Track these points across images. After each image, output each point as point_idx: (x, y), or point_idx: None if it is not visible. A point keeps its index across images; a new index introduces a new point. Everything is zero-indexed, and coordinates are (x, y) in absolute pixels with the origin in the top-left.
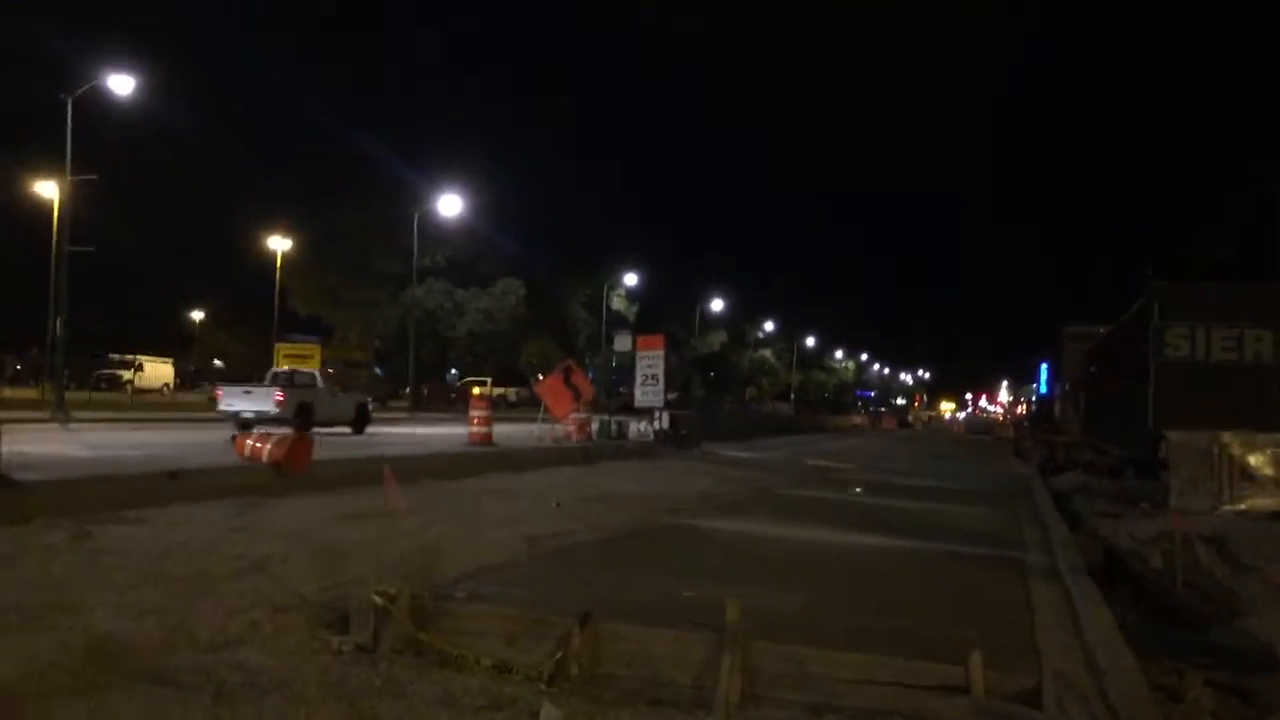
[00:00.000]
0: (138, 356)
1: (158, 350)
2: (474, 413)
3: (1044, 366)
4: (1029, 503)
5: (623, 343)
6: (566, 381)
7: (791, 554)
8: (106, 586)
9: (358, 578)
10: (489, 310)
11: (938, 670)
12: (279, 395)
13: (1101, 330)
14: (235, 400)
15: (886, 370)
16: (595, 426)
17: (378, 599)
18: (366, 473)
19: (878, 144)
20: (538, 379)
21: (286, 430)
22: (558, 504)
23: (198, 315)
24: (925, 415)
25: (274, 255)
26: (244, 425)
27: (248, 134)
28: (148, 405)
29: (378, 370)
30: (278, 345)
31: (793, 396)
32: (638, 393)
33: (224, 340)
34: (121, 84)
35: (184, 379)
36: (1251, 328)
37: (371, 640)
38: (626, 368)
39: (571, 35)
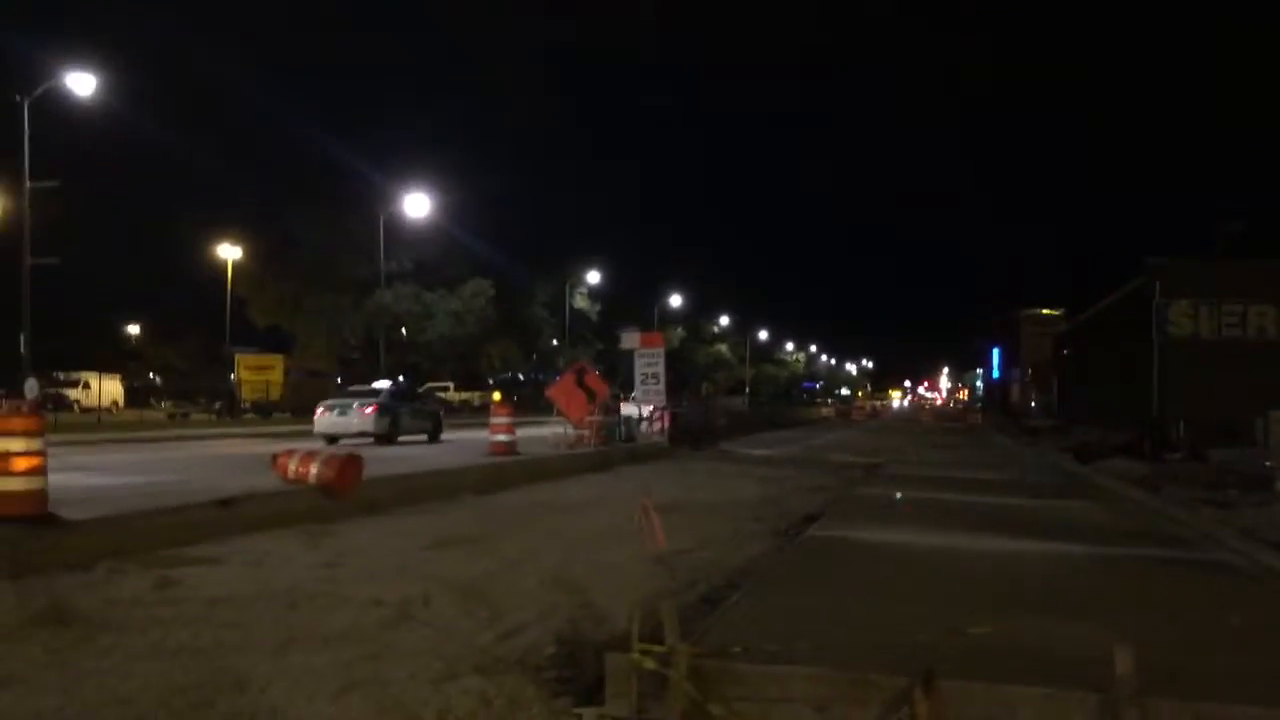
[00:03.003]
0: (83, 374)
1: (97, 366)
2: (496, 421)
3: (995, 351)
4: (1107, 491)
5: (629, 340)
6: (579, 382)
7: (985, 569)
8: (252, 651)
9: (521, 623)
10: (459, 313)
11: None
12: (371, 409)
13: (1059, 314)
14: (329, 416)
15: (833, 361)
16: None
17: (645, 660)
18: (414, 491)
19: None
20: (554, 380)
21: (326, 448)
22: (636, 517)
23: (133, 329)
24: (876, 404)
25: (224, 264)
26: (331, 440)
27: (203, 139)
28: (114, 426)
29: (339, 380)
30: (238, 357)
31: (747, 391)
32: (638, 391)
33: (168, 355)
34: (82, 83)
35: (132, 396)
36: (1255, 303)
37: (635, 713)
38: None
39: (535, 34)
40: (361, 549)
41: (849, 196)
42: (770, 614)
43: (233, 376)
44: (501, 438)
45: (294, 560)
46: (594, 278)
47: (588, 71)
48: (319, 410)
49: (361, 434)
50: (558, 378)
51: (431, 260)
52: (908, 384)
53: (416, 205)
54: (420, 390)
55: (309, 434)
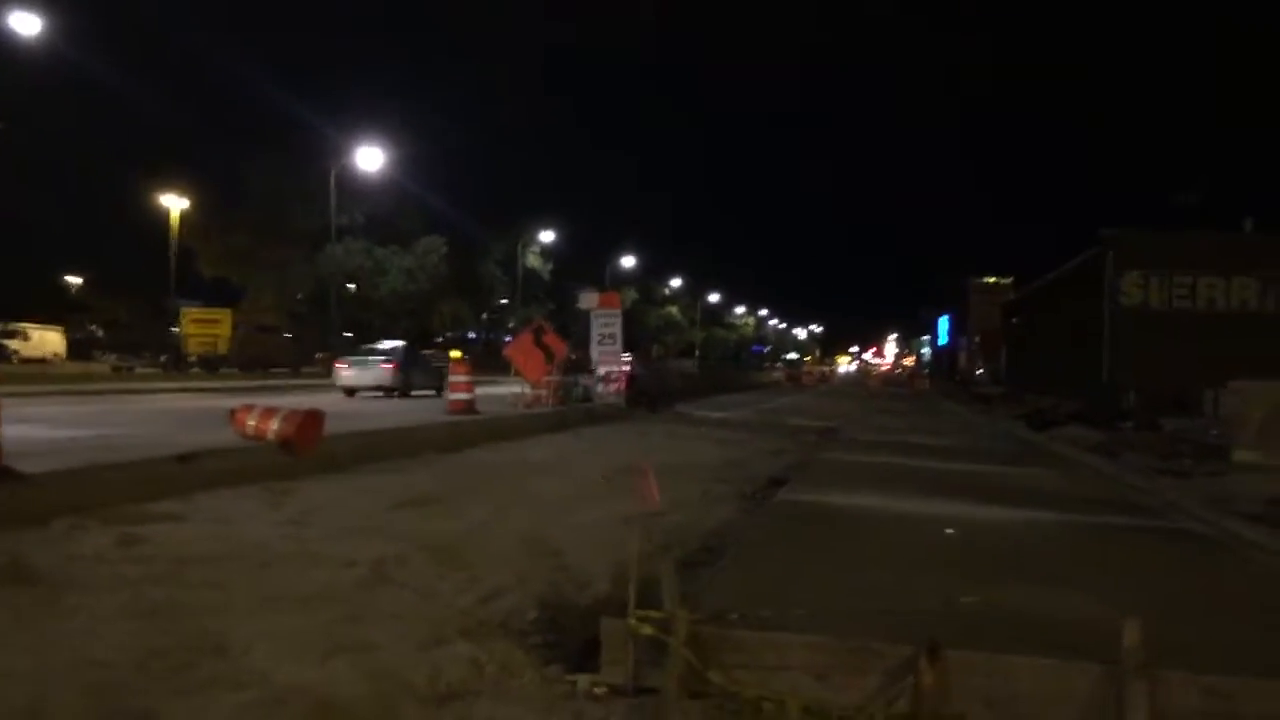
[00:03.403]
0: (21, 324)
1: (35, 317)
2: (455, 379)
3: (944, 319)
4: (1065, 459)
5: (588, 300)
6: (537, 342)
7: (967, 536)
8: (227, 613)
9: (500, 586)
10: (411, 269)
11: None
12: (391, 365)
13: (1008, 282)
14: (352, 371)
15: (782, 325)
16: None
17: (642, 626)
18: (375, 448)
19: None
20: (511, 339)
21: (280, 405)
22: (605, 478)
23: (75, 280)
24: (825, 370)
25: (169, 215)
26: (350, 393)
27: (151, 85)
28: (56, 378)
29: (287, 335)
30: (183, 310)
31: (697, 354)
32: (594, 352)
33: (111, 307)
34: (27, 23)
35: (73, 348)
36: (1204, 275)
37: (631, 680)
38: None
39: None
40: (326, 507)
41: (826, 181)
42: (755, 580)
43: (177, 330)
44: (461, 396)
45: (259, 518)
46: (547, 236)
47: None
48: (339, 365)
49: (379, 387)
50: (512, 338)
51: (384, 215)
52: (855, 350)
53: (370, 159)
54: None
55: (259, 390)
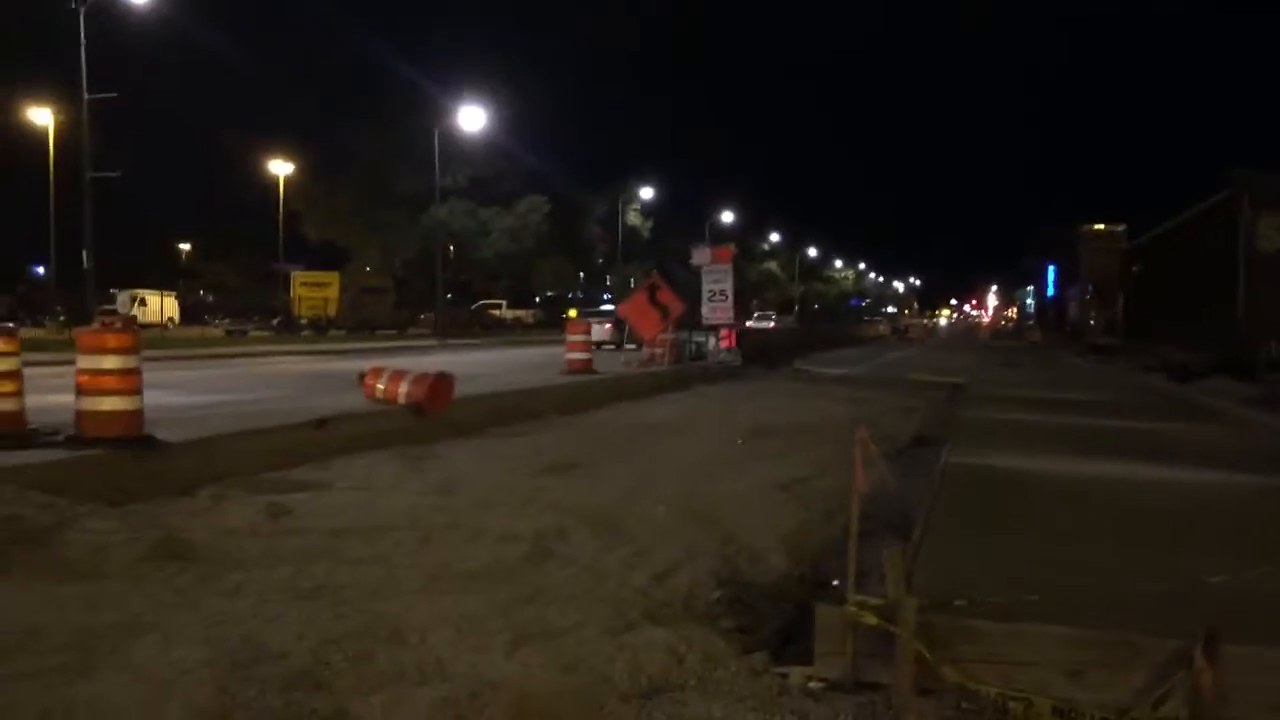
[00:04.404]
0: (139, 291)
1: (145, 283)
2: (573, 338)
3: (1050, 269)
4: (1224, 413)
5: (700, 255)
6: (652, 299)
7: (1160, 503)
8: (394, 592)
9: (670, 561)
10: (514, 230)
11: None
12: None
13: (1121, 229)
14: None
15: (880, 279)
16: None
17: (864, 614)
18: (502, 411)
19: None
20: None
21: (413, 369)
22: (741, 440)
23: (184, 246)
24: (929, 323)
25: (276, 180)
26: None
27: (257, 51)
28: (175, 343)
29: (394, 298)
30: (294, 274)
31: (796, 309)
32: (705, 308)
33: (221, 271)
34: None
35: (185, 313)
36: None
37: (851, 674)
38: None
39: None
40: (468, 474)
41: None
42: (951, 557)
43: (287, 294)
44: (579, 355)
45: (403, 486)
46: (647, 194)
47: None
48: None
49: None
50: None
51: (487, 175)
52: (954, 303)
53: (472, 119)
54: (473, 308)
55: (374, 351)
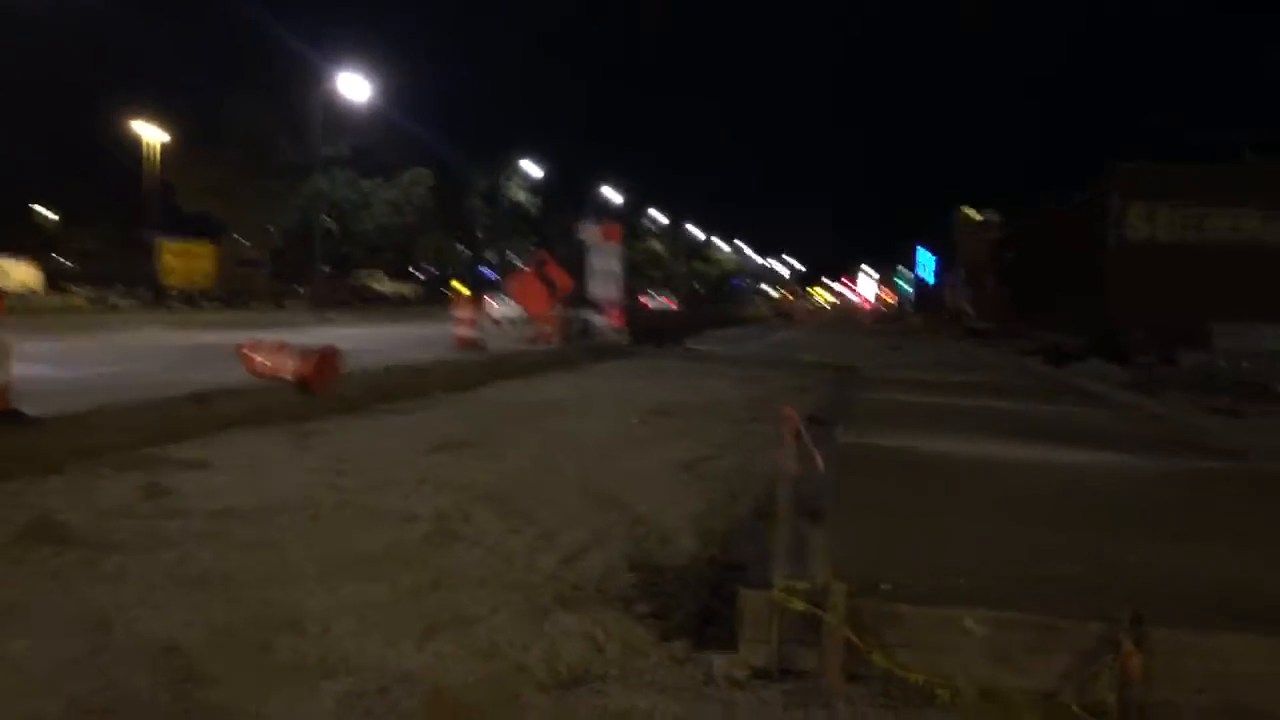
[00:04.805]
0: None
1: (3, 250)
2: (461, 314)
3: (925, 253)
4: (1103, 397)
5: (589, 233)
6: (540, 275)
7: (1059, 484)
8: (290, 579)
9: (578, 544)
10: (396, 202)
11: None
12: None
13: (996, 218)
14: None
15: (761, 259)
16: None
17: (792, 599)
18: (389, 387)
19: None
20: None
21: (296, 344)
22: (638, 420)
23: (48, 213)
24: (811, 305)
25: (148, 148)
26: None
27: (126, 11)
28: (36, 311)
29: (269, 271)
30: (163, 244)
31: (662, 288)
32: (593, 286)
33: (84, 239)
34: None
35: (49, 282)
36: (1210, 208)
37: (776, 660)
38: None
39: None
40: (359, 452)
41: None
42: (862, 538)
43: (156, 264)
44: (467, 332)
45: (291, 464)
46: (531, 170)
47: None
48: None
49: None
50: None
51: (370, 147)
52: (833, 285)
53: (355, 88)
54: (353, 281)
55: (250, 324)
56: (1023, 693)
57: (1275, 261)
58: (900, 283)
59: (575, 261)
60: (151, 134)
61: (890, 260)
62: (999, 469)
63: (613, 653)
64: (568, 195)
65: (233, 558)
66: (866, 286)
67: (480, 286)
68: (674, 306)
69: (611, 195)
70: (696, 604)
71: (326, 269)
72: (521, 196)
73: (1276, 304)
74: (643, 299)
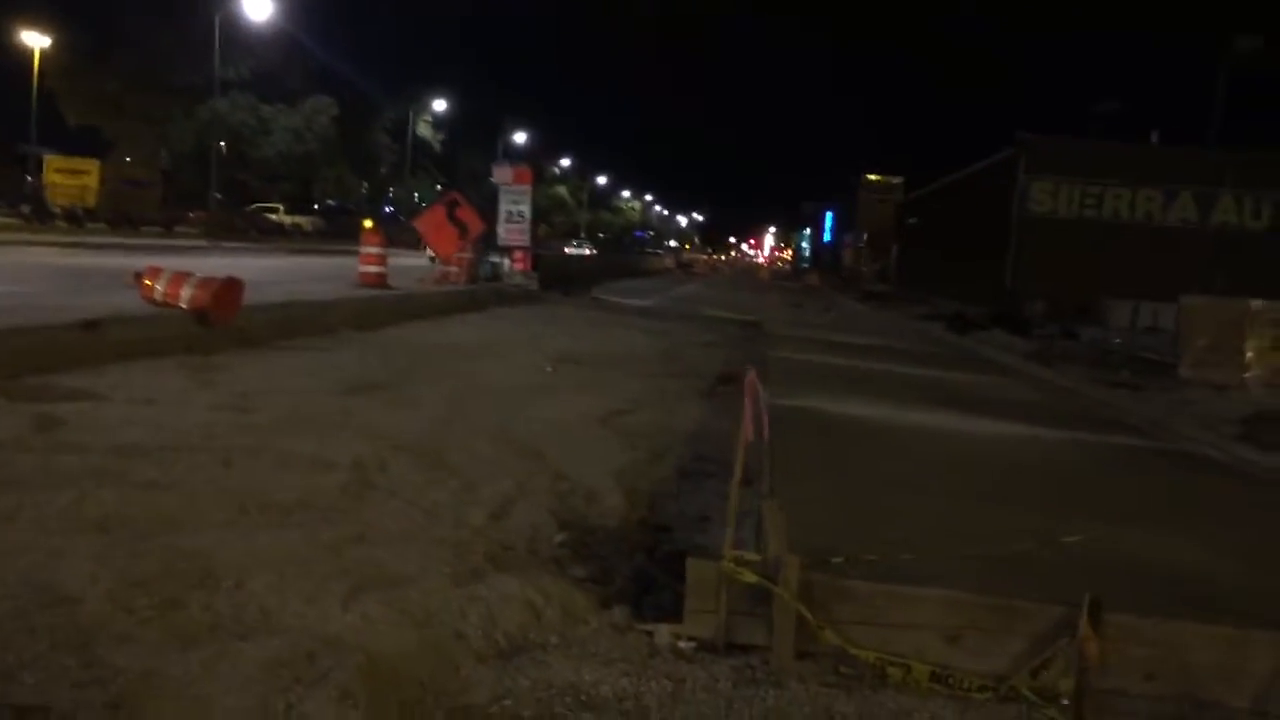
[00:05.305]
0: None
1: None
2: (367, 250)
3: (829, 215)
4: (1009, 367)
5: (502, 175)
6: (451, 216)
7: (984, 455)
8: (199, 525)
9: (502, 498)
10: (298, 130)
11: None
12: None
13: (898, 181)
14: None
15: (665, 212)
16: None
17: (741, 572)
18: (291, 322)
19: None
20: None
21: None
22: (550, 368)
23: None
24: (719, 259)
25: (30, 53)
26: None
27: None
28: None
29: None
30: (47, 159)
31: (583, 235)
32: (501, 230)
33: None
34: None
35: None
36: (1112, 185)
37: (723, 633)
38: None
39: None
40: (264, 390)
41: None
42: (796, 506)
43: (30, 179)
44: (373, 269)
45: (192, 400)
46: (440, 106)
47: None
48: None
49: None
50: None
51: (272, 71)
52: (733, 240)
53: (258, 7)
54: (249, 209)
55: (140, 248)
56: (975, 675)
57: (1170, 242)
58: (804, 245)
59: (483, 204)
60: (34, 39)
61: (799, 224)
62: (925, 436)
63: (551, 619)
64: (476, 135)
65: (136, 500)
66: (768, 246)
67: (383, 223)
68: (588, 254)
69: (520, 138)
70: (631, 568)
71: (219, 196)
72: (428, 133)
73: (1169, 283)
74: (565, 249)
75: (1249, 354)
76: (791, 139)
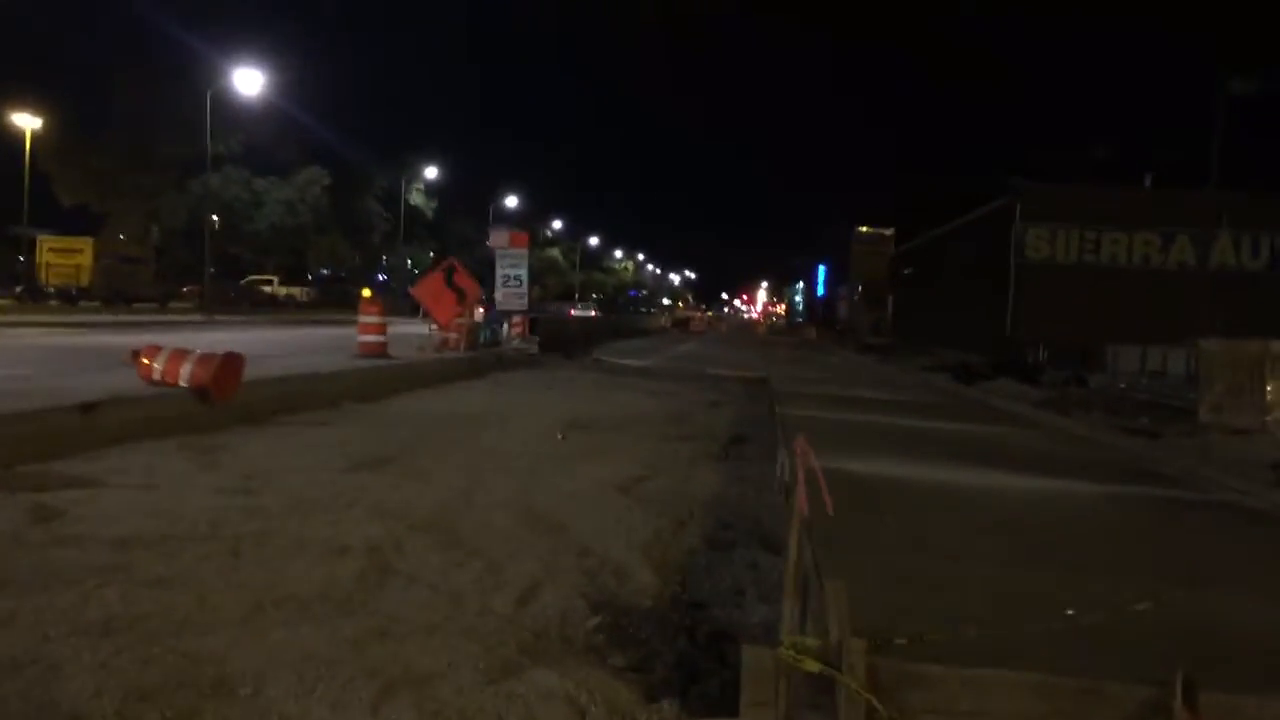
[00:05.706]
0: None
1: None
2: (366, 319)
3: (821, 269)
4: (1021, 417)
5: (498, 239)
6: (448, 282)
7: (1020, 513)
8: (212, 625)
9: (529, 580)
10: (291, 202)
11: None
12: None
13: (890, 233)
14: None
15: (658, 270)
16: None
17: (803, 660)
18: (292, 396)
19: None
20: (419, 278)
21: (194, 348)
22: (561, 436)
23: None
24: (708, 316)
25: (20, 135)
26: None
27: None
28: None
29: (154, 269)
30: (41, 239)
31: (576, 297)
32: (498, 294)
33: None
34: None
35: None
36: (1109, 230)
37: None
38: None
39: None
40: (271, 470)
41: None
42: (853, 580)
43: (22, 260)
44: (373, 338)
45: (196, 483)
46: (431, 173)
47: None
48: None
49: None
50: (416, 276)
51: (263, 144)
52: (725, 296)
53: (249, 82)
54: (242, 283)
55: (135, 325)
56: None
57: (1168, 285)
58: (797, 299)
59: (477, 269)
60: (25, 120)
61: (792, 278)
62: (959, 495)
63: (597, 718)
64: (468, 202)
65: (141, 598)
66: (762, 301)
67: (378, 291)
68: (594, 315)
69: (512, 202)
70: (674, 654)
71: (212, 270)
72: (420, 201)
73: (1169, 326)
74: (571, 310)
75: (1269, 397)
76: (784, 193)
